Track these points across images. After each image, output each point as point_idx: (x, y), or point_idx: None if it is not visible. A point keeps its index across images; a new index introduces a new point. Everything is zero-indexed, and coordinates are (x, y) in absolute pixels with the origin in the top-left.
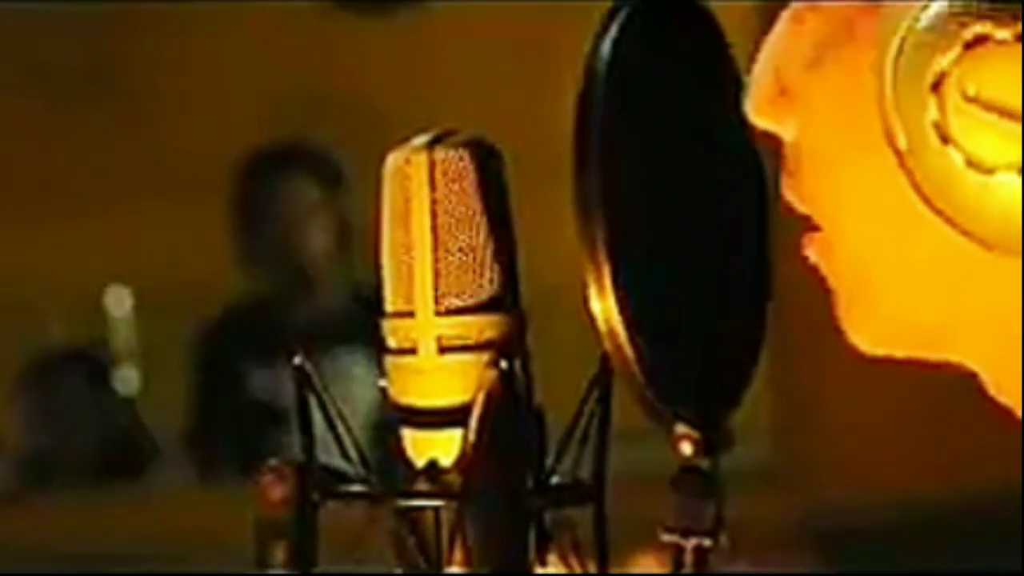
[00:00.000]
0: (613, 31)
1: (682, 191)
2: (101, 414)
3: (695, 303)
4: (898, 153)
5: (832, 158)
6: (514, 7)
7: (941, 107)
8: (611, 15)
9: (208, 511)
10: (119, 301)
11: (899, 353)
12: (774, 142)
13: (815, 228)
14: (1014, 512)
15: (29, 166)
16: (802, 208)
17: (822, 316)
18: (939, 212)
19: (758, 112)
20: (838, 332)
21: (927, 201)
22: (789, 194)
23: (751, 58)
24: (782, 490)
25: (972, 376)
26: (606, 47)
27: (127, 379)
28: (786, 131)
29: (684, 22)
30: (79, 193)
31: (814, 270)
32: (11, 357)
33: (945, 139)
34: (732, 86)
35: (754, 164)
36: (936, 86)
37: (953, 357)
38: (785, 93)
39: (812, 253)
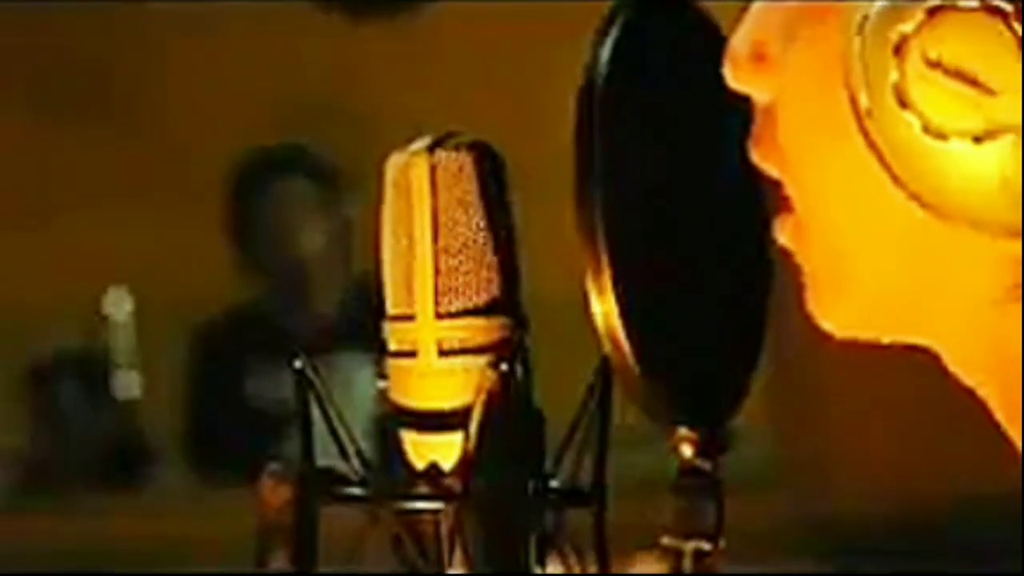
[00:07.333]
0: (613, 33)
1: (683, 193)
2: (100, 418)
3: (696, 305)
4: (859, 116)
5: (803, 133)
6: (513, 10)
7: (902, 70)
8: (611, 17)
9: (208, 515)
10: (118, 305)
11: (870, 336)
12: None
13: (788, 209)
14: (1015, 515)
15: (28, 169)
16: (771, 171)
17: None
18: (895, 178)
19: (734, 74)
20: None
21: (884, 166)
22: (757, 157)
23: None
24: (783, 492)
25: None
26: (606, 49)
27: (126, 383)
28: (760, 95)
29: (684, 24)
30: (78, 196)
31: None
32: (11, 361)
33: (904, 103)
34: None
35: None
36: (899, 49)
37: (921, 340)
38: (762, 59)
39: (784, 237)
